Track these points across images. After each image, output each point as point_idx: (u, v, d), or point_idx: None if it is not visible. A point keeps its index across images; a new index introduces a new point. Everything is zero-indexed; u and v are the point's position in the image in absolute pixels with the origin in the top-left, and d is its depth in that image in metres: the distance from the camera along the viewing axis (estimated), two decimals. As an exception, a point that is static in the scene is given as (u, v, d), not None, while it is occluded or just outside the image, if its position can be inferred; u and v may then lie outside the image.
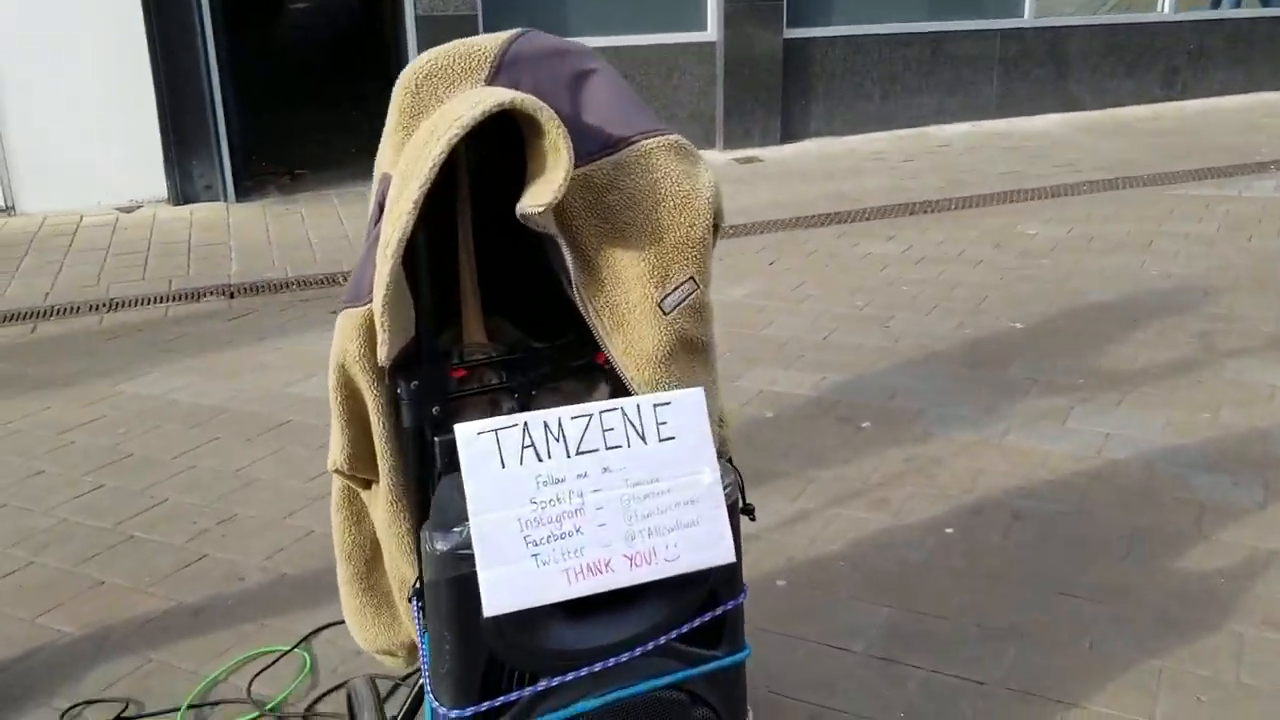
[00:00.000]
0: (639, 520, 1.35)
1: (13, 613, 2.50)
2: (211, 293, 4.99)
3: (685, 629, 1.43)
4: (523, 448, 1.31)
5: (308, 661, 2.26)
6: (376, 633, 1.82)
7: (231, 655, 2.30)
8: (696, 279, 1.55)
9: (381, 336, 1.43)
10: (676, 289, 1.54)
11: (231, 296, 4.94)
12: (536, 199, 1.41)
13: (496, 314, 1.68)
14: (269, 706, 2.12)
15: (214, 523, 2.88)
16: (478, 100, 1.36)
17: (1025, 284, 4.58)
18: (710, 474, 1.39)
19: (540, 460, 1.32)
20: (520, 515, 1.30)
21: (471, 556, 1.28)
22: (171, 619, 2.45)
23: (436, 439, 1.51)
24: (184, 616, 2.46)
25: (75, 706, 2.16)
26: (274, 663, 2.27)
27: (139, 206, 6.48)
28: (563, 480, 1.32)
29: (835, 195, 6.21)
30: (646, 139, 1.53)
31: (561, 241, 1.49)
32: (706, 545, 1.38)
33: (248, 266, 5.28)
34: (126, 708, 2.14)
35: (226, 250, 5.56)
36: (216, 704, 2.15)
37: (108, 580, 2.62)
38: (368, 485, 1.68)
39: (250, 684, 2.20)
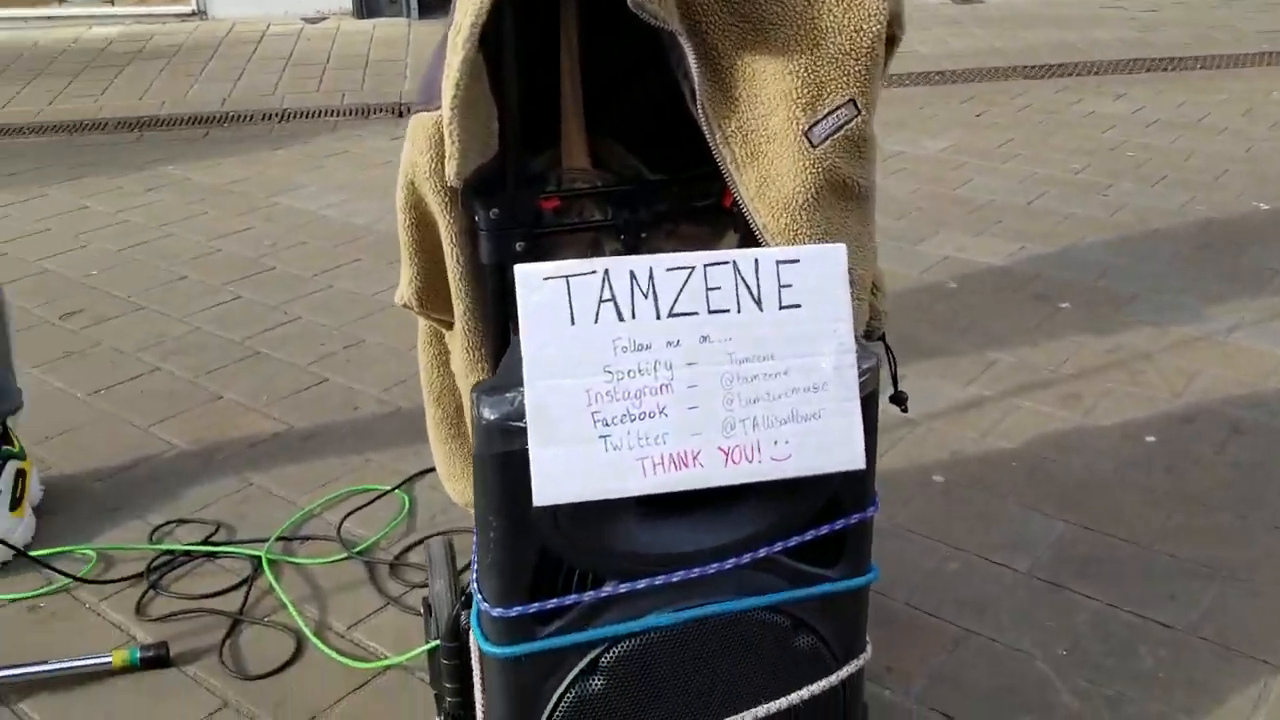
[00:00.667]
0: (742, 406, 1.06)
1: (129, 418, 2.43)
2: (381, 110, 4.85)
3: (794, 543, 1.15)
4: (600, 301, 1.03)
5: (406, 504, 2.10)
6: (465, 485, 1.61)
7: (332, 488, 2.16)
8: (858, 102, 1.20)
9: (451, 149, 1.16)
10: (830, 114, 1.20)
11: (400, 115, 4.78)
12: (652, -19, 1.09)
13: (607, 134, 1.38)
14: (357, 549, 1.97)
15: (341, 346, 2.75)
16: None
17: (1276, 159, 3.93)
18: (842, 355, 1.08)
19: (622, 320, 1.03)
20: (590, 386, 1.03)
21: (524, 430, 1.02)
22: (280, 443, 2.34)
23: (520, 280, 1.25)
24: (293, 441, 2.34)
25: (168, 524, 2.06)
26: (371, 502, 2.12)
27: (324, 18, 6.37)
28: (648, 347, 1.04)
29: (1061, 45, 5.52)
30: (807, -90, 1.17)
31: (685, 43, 1.16)
32: (828, 445, 1.08)
33: (420, 84, 5.10)
34: (216, 530, 2.04)
35: (402, 68, 5.39)
36: (306, 539, 2.02)
37: (226, 395, 2.52)
38: (450, 326, 1.44)
39: (342, 522, 2.05)
